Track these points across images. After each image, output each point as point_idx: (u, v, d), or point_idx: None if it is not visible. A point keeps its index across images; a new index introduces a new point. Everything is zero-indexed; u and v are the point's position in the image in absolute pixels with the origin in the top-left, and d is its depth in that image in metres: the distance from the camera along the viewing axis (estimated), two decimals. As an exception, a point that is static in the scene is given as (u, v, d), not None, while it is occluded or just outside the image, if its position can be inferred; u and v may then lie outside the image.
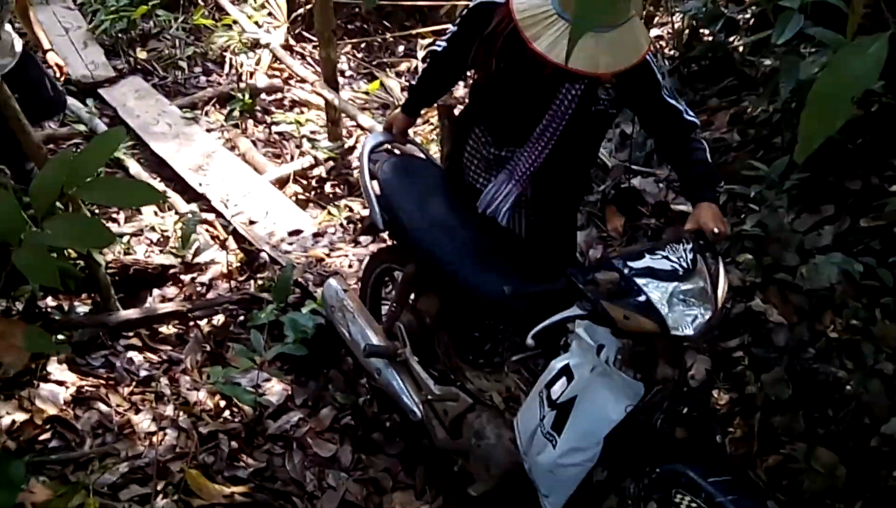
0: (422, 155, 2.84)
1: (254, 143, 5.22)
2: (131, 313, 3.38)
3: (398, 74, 6.07)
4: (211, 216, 4.29)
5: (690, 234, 2.00)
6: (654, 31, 4.61)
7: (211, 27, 6.11)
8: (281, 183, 4.69)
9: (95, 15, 6.13)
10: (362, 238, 4.10)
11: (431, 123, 4.97)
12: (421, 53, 6.06)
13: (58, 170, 1.39)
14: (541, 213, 2.52)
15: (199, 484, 2.57)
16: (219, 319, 3.50)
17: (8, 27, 3.82)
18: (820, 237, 2.91)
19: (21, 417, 2.74)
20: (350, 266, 3.83)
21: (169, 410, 2.94)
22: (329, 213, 4.41)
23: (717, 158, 3.42)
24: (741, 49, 4.07)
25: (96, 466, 2.56)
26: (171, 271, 3.83)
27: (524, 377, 2.40)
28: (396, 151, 2.81)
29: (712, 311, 1.86)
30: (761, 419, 2.59)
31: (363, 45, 6.40)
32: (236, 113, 5.41)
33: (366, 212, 4.33)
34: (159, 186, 4.55)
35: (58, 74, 4.19)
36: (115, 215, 4.35)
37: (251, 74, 5.79)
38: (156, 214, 4.36)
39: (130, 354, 3.24)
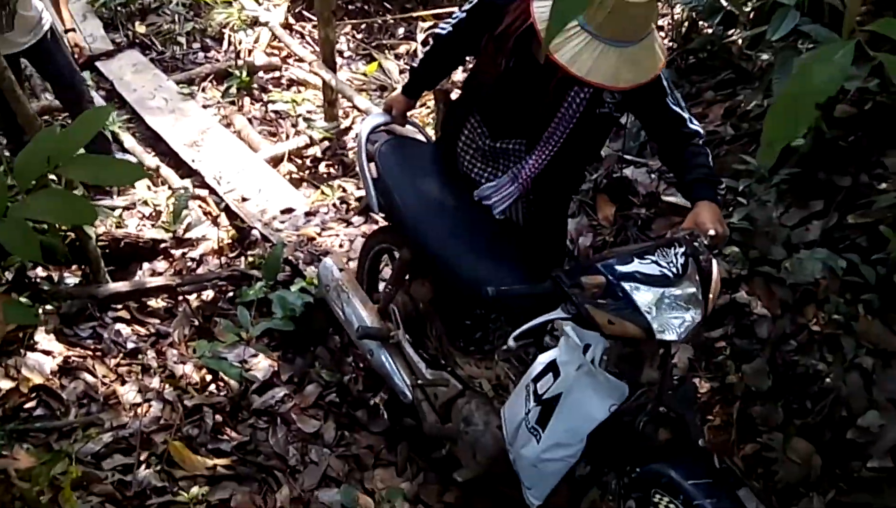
0: (422, 137, 2.82)
1: (250, 120, 5.22)
2: (120, 286, 3.40)
3: (397, 57, 6.05)
4: (204, 192, 4.30)
5: (684, 236, 1.98)
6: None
7: (211, 3, 6.09)
8: (275, 161, 4.70)
9: (95, -13, 6.11)
10: (354, 218, 4.11)
11: (428, 107, 4.97)
12: (421, 36, 6.04)
13: (43, 145, 1.40)
14: (539, 206, 2.53)
15: (182, 456, 2.60)
16: (208, 294, 3.51)
17: (37, 2, 3.82)
18: (807, 232, 2.92)
19: (7, 385, 2.77)
20: (341, 246, 3.84)
21: (155, 382, 2.96)
22: (322, 193, 4.42)
23: (710, 151, 3.43)
24: (739, 43, 4.07)
25: (80, 435, 2.58)
26: (162, 245, 3.85)
27: (514, 366, 2.40)
28: (396, 133, 2.80)
29: (702, 315, 1.86)
30: (740, 408, 2.62)
31: (363, 27, 6.38)
32: (233, 90, 5.41)
33: (360, 193, 4.35)
34: (153, 160, 4.57)
35: (76, 55, 4.20)
36: (107, 189, 4.34)
37: (249, 52, 5.78)
38: (149, 188, 4.37)
39: (118, 326, 3.26)
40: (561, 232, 2.73)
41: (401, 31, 6.36)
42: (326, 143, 4.94)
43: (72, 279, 3.49)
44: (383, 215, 2.76)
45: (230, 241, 3.93)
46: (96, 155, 1.69)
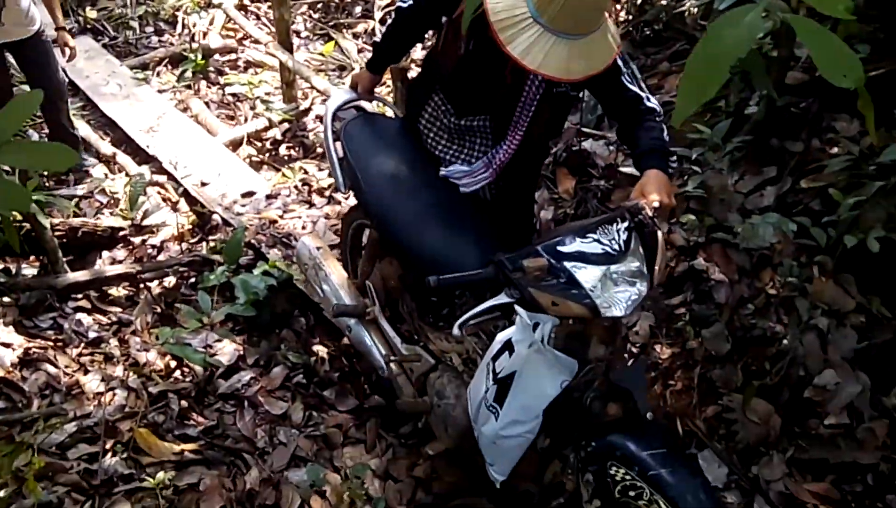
0: (389, 113, 2.80)
1: (207, 104, 5.15)
2: (79, 276, 3.36)
3: (355, 36, 6.00)
4: (162, 178, 4.25)
5: (627, 210, 1.97)
6: (609, -5, 4.62)
7: (162, -14, 5.98)
8: (234, 145, 4.64)
9: (42, -28, 5.94)
10: (316, 200, 4.09)
11: (387, 85, 4.94)
12: (379, 14, 5.99)
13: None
14: (506, 183, 2.54)
15: (148, 443, 2.59)
16: (170, 281, 3.48)
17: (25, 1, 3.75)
18: (762, 198, 2.97)
19: (-34, 379, 2.73)
20: (304, 228, 3.82)
21: (118, 371, 2.94)
22: (283, 175, 4.39)
23: (666, 121, 3.46)
24: (693, 13, 4.10)
25: (42, 426, 2.55)
26: (121, 233, 3.81)
27: (482, 340, 2.42)
28: (362, 110, 2.77)
29: (648, 287, 1.87)
30: (701, 372, 2.67)
31: (319, 6, 6.30)
32: (189, 74, 5.33)
33: (321, 174, 4.32)
34: (109, 148, 4.49)
35: (66, 54, 4.11)
36: (63, 177, 4.27)
37: (204, 35, 5.70)
38: (106, 176, 4.30)
39: (79, 316, 3.22)
40: (528, 207, 2.75)
41: (358, 9, 6.29)
42: (286, 125, 4.89)
43: (30, 271, 3.44)
44: (353, 194, 2.74)
45: (190, 226, 3.89)
46: (28, 141, 1.66)
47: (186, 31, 5.79)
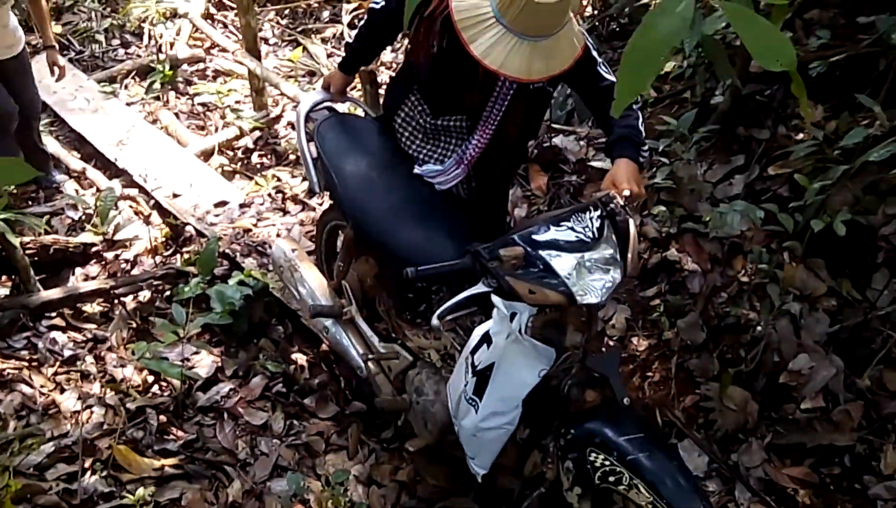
0: (361, 113, 2.80)
1: (176, 115, 5.10)
2: (52, 293, 3.32)
3: (323, 41, 5.97)
4: (134, 192, 4.21)
5: (600, 200, 2.01)
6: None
7: (127, -2, 5.92)
8: (206, 155, 4.61)
9: (3, -12, 5.87)
10: (291, 207, 4.07)
11: (357, 89, 4.93)
12: (347, 18, 5.98)
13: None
14: (481, 181, 2.54)
15: (128, 459, 2.57)
16: (144, 295, 3.45)
17: (13, 20, 3.68)
18: (731, 187, 3.00)
19: (-61, 403, 2.69)
20: (278, 235, 3.80)
21: (95, 388, 2.91)
22: (256, 183, 4.36)
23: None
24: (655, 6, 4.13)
25: (17, 448, 2.52)
26: (94, 249, 3.76)
27: (460, 335, 2.42)
28: (335, 111, 2.76)
29: (622, 274, 1.90)
30: (678, 362, 2.70)
31: (287, 12, 6.27)
32: (157, 85, 5.28)
33: (294, 181, 4.31)
34: (79, 163, 4.45)
35: (55, 73, 4.05)
36: (33, 195, 4.23)
37: (171, 45, 5.64)
38: (77, 191, 4.26)
39: (53, 334, 3.19)
40: (502, 206, 2.76)
41: (326, 14, 6.26)
42: (257, 133, 4.86)
43: (1, 291, 3.39)
44: (328, 194, 2.74)
45: (164, 239, 3.86)
46: None
47: (153, 42, 5.73)
